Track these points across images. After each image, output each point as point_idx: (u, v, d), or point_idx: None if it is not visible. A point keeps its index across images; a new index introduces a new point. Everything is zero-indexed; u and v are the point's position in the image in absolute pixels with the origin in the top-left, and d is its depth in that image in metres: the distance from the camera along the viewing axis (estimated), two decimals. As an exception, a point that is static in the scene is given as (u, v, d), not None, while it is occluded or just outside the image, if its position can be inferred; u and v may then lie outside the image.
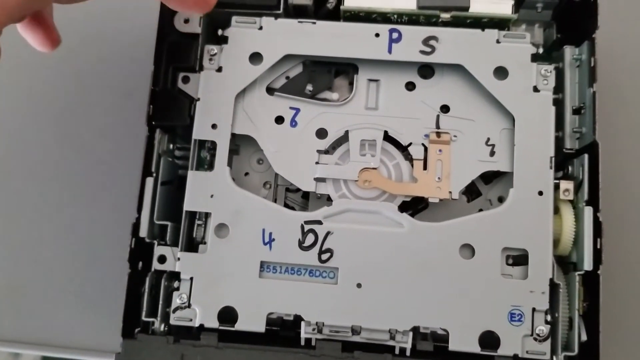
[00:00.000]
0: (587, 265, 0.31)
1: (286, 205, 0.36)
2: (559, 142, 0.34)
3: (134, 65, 0.43)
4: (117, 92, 0.43)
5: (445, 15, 0.35)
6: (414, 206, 0.35)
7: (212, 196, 0.33)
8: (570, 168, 0.34)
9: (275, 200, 0.36)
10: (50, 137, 0.43)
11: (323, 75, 0.35)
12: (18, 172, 0.43)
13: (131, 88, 0.43)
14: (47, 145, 0.43)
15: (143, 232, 0.32)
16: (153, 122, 0.34)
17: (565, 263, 0.34)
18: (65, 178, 0.42)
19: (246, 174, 0.36)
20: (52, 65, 0.44)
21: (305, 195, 0.35)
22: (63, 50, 0.32)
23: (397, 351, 0.31)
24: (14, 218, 0.42)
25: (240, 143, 0.36)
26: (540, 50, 0.35)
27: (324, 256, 0.32)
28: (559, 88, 0.35)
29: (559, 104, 0.35)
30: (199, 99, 0.34)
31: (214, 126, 0.34)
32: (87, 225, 0.41)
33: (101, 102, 0.43)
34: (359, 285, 0.31)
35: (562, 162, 0.35)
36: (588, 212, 0.32)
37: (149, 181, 0.33)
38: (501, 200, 0.35)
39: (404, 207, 0.34)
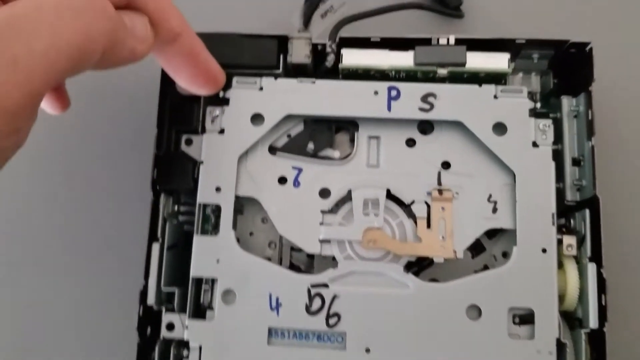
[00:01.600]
0: (593, 323, 0.32)
1: (292, 265, 0.36)
2: (560, 193, 0.35)
3: (136, 119, 0.43)
4: (118, 149, 0.43)
5: (442, 71, 0.36)
6: (419, 264, 0.36)
7: (218, 261, 0.34)
8: (572, 221, 0.35)
9: (280, 260, 0.36)
10: (51, 197, 0.43)
11: (324, 132, 0.36)
12: (18, 234, 0.43)
13: (133, 144, 0.43)
14: (49, 206, 0.43)
15: (151, 299, 0.33)
16: (157, 187, 0.35)
17: (571, 318, 0.35)
18: (67, 240, 0.42)
19: (251, 233, 0.37)
20: (49, 125, 0.44)
21: (311, 255, 0.36)
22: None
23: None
24: (17, 281, 0.42)
25: (244, 202, 0.37)
26: (538, 105, 0.36)
27: (332, 320, 0.33)
28: (557, 139, 0.36)
29: (558, 155, 0.36)
30: (202, 162, 0.35)
31: (218, 189, 0.34)
32: (93, 289, 0.42)
33: (103, 159, 0.43)
34: (367, 350, 0.32)
35: (564, 212, 0.36)
36: (592, 269, 0.33)
37: (155, 247, 0.34)
38: (505, 255, 0.36)
39: (408, 265, 0.35)
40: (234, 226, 0.35)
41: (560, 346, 0.32)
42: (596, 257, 0.33)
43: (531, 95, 0.37)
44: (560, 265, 0.34)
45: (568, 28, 0.44)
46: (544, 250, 0.33)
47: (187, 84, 0.31)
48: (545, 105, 0.38)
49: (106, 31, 0.23)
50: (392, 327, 0.32)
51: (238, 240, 0.35)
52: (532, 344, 0.32)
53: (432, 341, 0.32)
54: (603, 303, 0.32)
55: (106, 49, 0.24)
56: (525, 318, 0.33)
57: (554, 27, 0.43)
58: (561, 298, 0.34)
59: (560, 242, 0.34)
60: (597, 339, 0.33)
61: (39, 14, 0.21)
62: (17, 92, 0.21)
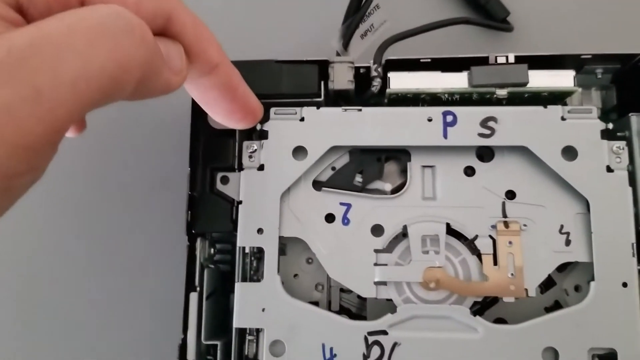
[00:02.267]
0: (684, 361, 0.29)
1: (341, 308, 0.34)
2: (636, 219, 0.32)
3: (166, 154, 0.41)
4: (146, 185, 0.41)
5: (502, 92, 0.33)
6: (482, 302, 0.33)
7: (263, 310, 0.31)
8: (652, 250, 0.32)
9: (329, 303, 0.34)
10: (72, 237, 0.41)
11: (372, 163, 0.34)
12: (39, 278, 0.41)
13: (164, 179, 0.41)
14: (70, 248, 0.41)
15: (191, 355, 0.31)
16: (193, 231, 0.32)
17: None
18: (95, 293, 0.40)
19: (295, 275, 0.34)
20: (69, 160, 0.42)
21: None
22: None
23: None
24: (39, 331, 0.40)
25: (286, 242, 0.34)
26: (611, 126, 0.33)
27: (393, 371, 0.30)
28: (629, 160, 0.33)
29: (630, 177, 0.33)
30: (241, 202, 0.32)
31: (259, 231, 0.32)
32: (128, 345, 0.39)
33: (130, 202, 0.41)
34: (434, 403, 0.29)
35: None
36: (682, 304, 0.30)
37: (194, 297, 0.31)
38: (577, 289, 0.33)
39: (472, 305, 0.32)
40: (278, 270, 0.32)
41: (648, 389, 0.29)
42: (686, 293, 0.30)
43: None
44: None
45: (624, 38, 0.41)
46: (625, 285, 0.30)
47: (222, 118, 0.29)
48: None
49: (143, 61, 0.21)
50: (461, 377, 0.29)
51: (282, 283, 0.33)
52: None
53: (507, 391, 0.29)
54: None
55: (140, 80, 0.21)
56: (608, 358, 0.30)
57: (601, 39, 0.41)
58: None
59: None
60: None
61: (69, 37, 0.18)
62: (39, 127, 0.18)
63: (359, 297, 0.34)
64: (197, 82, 0.26)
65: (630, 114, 0.34)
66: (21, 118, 0.18)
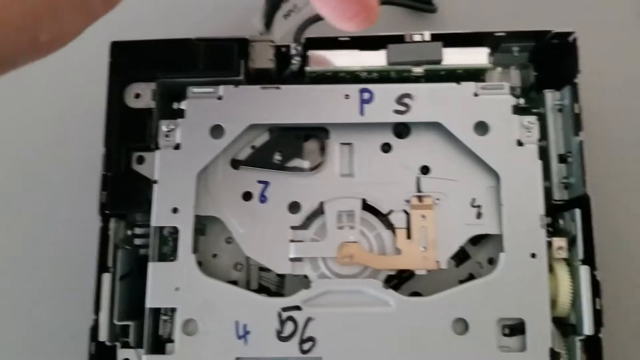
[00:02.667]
0: (588, 329, 0.30)
1: (261, 287, 0.34)
2: (547, 192, 0.34)
3: (81, 135, 0.41)
4: (61, 170, 0.41)
5: (418, 70, 0.34)
6: (399, 276, 0.33)
7: (177, 289, 0.31)
8: (561, 222, 0.33)
9: (248, 283, 0.34)
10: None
11: (291, 142, 0.34)
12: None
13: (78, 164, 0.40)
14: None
15: (103, 335, 0.30)
16: (107, 211, 0.32)
17: (564, 325, 0.32)
18: (8, 273, 0.39)
19: (214, 255, 0.34)
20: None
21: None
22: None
23: None
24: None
25: (206, 222, 0.34)
26: (522, 101, 0.34)
27: (306, 346, 0.30)
28: (542, 135, 0.34)
29: (543, 152, 0.34)
30: (156, 181, 0.32)
31: (175, 210, 0.32)
32: (39, 326, 0.38)
33: (46, 184, 0.41)
34: (346, 376, 0.30)
35: (551, 212, 0.34)
36: (585, 272, 0.31)
37: (106, 278, 0.31)
38: (492, 262, 0.34)
39: (388, 280, 0.33)
40: (195, 249, 0.32)
41: (554, 356, 0.30)
42: (589, 259, 0.31)
43: (513, 91, 0.35)
44: (551, 269, 0.32)
45: (546, 18, 0.42)
46: (533, 255, 0.31)
47: (332, 11, 0.25)
48: (527, 101, 0.36)
49: None
50: (373, 348, 0.30)
51: (200, 264, 0.33)
52: (524, 355, 0.30)
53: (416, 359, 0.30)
54: (598, 307, 0.30)
55: None
56: (516, 328, 0.31)
57: (530, 18, 0.42)
58: (553, 304, 0.32)
59: (549, 244, 0.32)
60: (592, 346, 0.31)
61: None
62: None
63: (278, 275, 0.34)
64: None
65: (544, 90, 0.35)
66: None
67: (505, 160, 0.32)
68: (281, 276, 0.34)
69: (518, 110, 0.33)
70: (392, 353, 0.30)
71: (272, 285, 0.34)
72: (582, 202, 0.32)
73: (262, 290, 0.34)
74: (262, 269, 0.34)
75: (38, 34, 0.21)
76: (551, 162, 0.34)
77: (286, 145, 0.34)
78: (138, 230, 0.34)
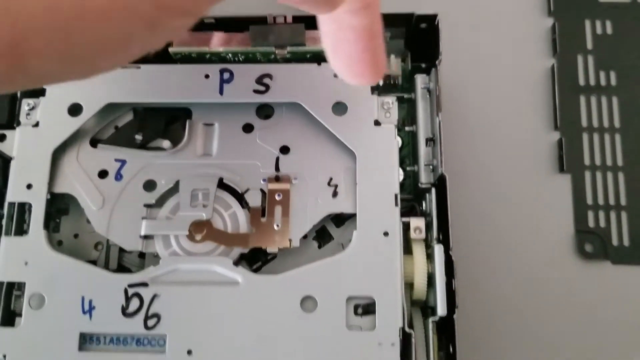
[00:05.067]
0: (441, 310, 0.31)
1: (121, 267, 0.35)
2: (415, 176, 0.35)
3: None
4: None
5: (282, 52, 0.35)
6: (261, 258, 0.35)
7: (26, 263, 0.32)
8: (424, 204, 0.35)
9: (107, 263, 0.35)
10: None
11: (154, 122, 0.35)
12: None
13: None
14: None
15: (-49, 309, 0.31)
16: (-39, 188, 0.33)
17: (426, 308, 0.34)
18: None
19: (76, 235, 0.35)
20: None
21: (143, 254, 0.35)
22: None
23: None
24: None
25: (70, 202, 0.35)
26: (380, 82, 0.35)
27: (150, 322, 0.31)
28: (412, 120, 0.36)
29: (413, 136, 0.36)
30: (12, 158, 0.33)
31: (29, 186, 0.33)
32: None
33: None
34: (189, 352, 0.31)
35: (420, 197, 0.35)
36: (439, 250, 0.32)
37: (-44, 253, 0.32)
38: (353, 243, 0.35)
39: (251, 261, 0.34)
40: (57, 228, 0.33)
41: (406, 336, 0.31)
42: (443, 239, 0.32)
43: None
44: (410, 251, 0.33)
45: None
46: (386, 234, 0.32)
47: (342, 66, 0.26)
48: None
49: None
50: (217, 326, 0.31)
51: (60, 243, 0.34)
52: (374, 335, 0.31)
53: (263, 337, 0.31)
54: (453, 288, 0.31)
55: None
56: (368, 308, 0.31)
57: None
58: (411, 286, 0.32)
59: (407, 226, 0.33)
60: (446, 327, 0.31)
61: None
62: None
63: (139, 256, 0.35)
64: (340, 16, 0.24)
65: (415, 75, 0.37)
66: None
67: (361, 140, 0.34)
68: (142, 257, 0.35)
69: (378, 91, 0.35)
70: (239, 330, 0.31)
71: (133, 267, 0.35)
72: (439, 182, 0.33)
73: (123, 270, 0.35)
74: (123, 250, 0.35)
75: None
76: (420, 145, 0.35)
77: (149, 125, 0.35)
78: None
